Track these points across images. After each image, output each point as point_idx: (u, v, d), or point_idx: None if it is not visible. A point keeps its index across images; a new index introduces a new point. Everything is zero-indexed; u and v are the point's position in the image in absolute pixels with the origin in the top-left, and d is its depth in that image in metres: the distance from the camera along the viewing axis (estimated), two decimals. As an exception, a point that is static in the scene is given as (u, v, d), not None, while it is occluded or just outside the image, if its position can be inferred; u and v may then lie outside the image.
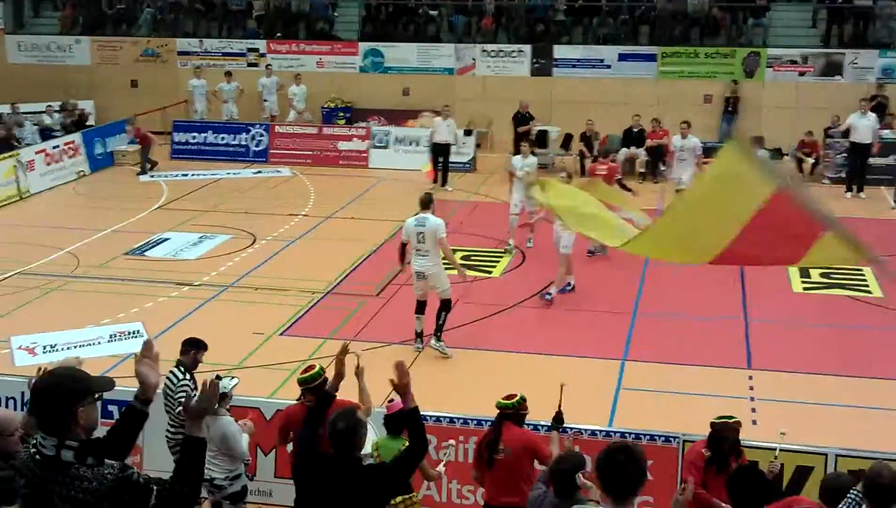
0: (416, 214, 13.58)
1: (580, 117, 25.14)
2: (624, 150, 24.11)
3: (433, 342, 13.67)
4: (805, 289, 15.98)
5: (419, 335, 13.68)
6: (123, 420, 4.87)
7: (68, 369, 4.74)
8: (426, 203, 13.59)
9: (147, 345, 4.79)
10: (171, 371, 9.06)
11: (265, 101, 27.60)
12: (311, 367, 8.70)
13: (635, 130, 24.22)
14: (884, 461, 6.37)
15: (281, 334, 14.26)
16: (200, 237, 18.95)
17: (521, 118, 24.16)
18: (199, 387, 4.83)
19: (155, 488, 4.37)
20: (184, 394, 8.90)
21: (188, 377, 9.13)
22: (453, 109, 24.02)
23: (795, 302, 15.51)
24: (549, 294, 15.32)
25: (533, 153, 20.30)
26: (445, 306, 13.56)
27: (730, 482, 6.71)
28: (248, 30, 30.48)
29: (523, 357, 13.37)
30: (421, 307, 13.61)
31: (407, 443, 8.32)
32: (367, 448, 8.08)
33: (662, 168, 24.06)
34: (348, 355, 7.23)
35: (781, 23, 27.73)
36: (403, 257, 13.72)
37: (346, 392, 8.03)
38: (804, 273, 16.51)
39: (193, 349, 9.22)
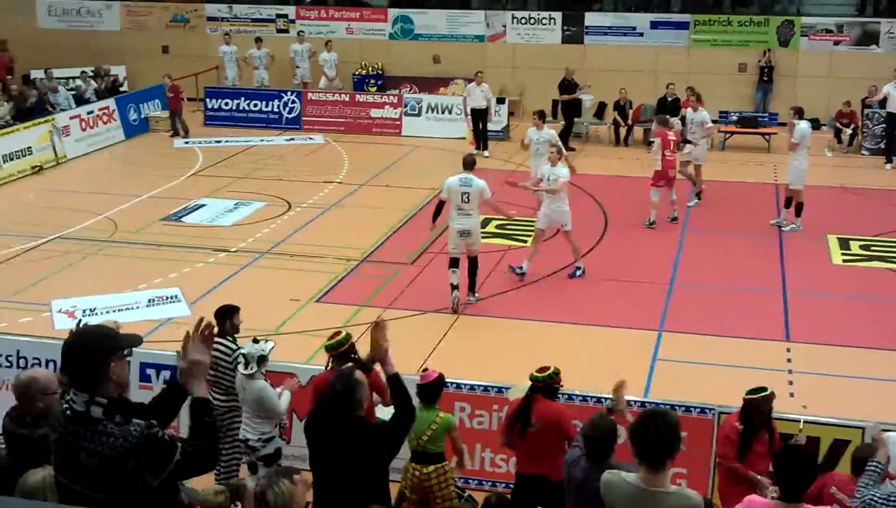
0: (459, 174, 13.87)
1: (612, 86, 24.95)
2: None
3: (470, 297, 14.15)
4: (845, 261, 15.88)
5: (455, 287, 13.97)
6: (167, 396, 4.87)
7: (97, 326, 4.77)
8: (470, 164, 14.04)
9: (206, 326, 4.73)
10: (221, 342, 9.13)
11: (297, 67, 27.56)
12: (338, 333, 8.79)
13: (669, 98, 23.99)
14: None
15: (317, 300, 14.35)
16: (236, 204, 19.05)
17: (568, 85, 23.98)
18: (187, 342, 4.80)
19: (179, 445, 4.43)
20: (242, 362, 9.01)
21: (236, 344, 9.25)
22: (484, 75, 23.93)
23: (835, 274, 15.41)
24: (579, 268, 15.22)
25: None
26: (476, 262, 14.14)
27: (776, 462, 6.71)
28: (278, -5, 30.43)
29: (559, 327, 13.40)
30: (455, 263, 13.95)
31: (441, 413, 8.43)
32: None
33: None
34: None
35: (815, -9, 27.40)
36: (439, 214, 13.91)
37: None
38: (844, 245, 16.43)
39: (227, 317, 9.30)
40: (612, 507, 5.80)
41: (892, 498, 5.77)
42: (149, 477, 4.35)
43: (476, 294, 14.26)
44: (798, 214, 17.23)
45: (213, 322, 4.82)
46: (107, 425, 4.33)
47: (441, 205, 13.91)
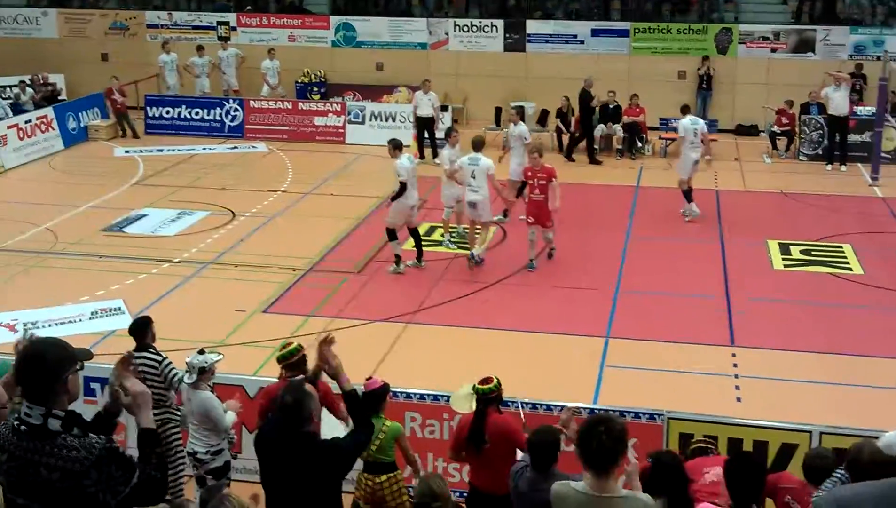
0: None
1: (555, 93, 25.09)
2: (601, 126, 24.18)
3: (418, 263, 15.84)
4: (786, 266, 16.11)
5: (400, 257, 15.60)
6: (99, 425, 4.82)
7: (53, 338, 4.71)
8: (397, 146, 15.67)
9: (126, 360, 4.83)
10: (146, 356, 9.06)
11: (224, 74, 27.33)
12: (289, 343, 8.75)
13: (611, 106, 24.23)
14: (867, 438, 6.43)
15: (263, 311, 14.24)
16: (179, 213, 18.84)
17: (588, 94, 23.82)
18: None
19: (137, 468, 4.41)
20: (170, 370, 8.91)
21: (160, 355, 9.16)
22: (431, 84, 23.93)
23: (776, 279, 15.62)
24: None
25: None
26: (417, 232, 15.86)
27: (726, 470, 6.75)
28: (218, 3, 30.15)
29: (509, 335, 13.44)
30: (394, 235, 15.56)
31: (387, 422, 8.40)
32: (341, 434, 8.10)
33: (639, 145, 24.14)
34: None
35: (752, -1, 27.82)
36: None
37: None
38: (784, 250, 16.69)
39: (145, 328, 9.22)
40: (566, 518, 5.81)
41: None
42: (108, 496, 4.30)
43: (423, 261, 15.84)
44: (689, 199, 18.34)
45: (131, 352, 4.90)
46: (66, 438, 4.30)
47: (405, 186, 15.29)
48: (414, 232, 15.83)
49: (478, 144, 16.13)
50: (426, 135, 23.38)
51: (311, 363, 8.16)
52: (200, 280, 15.50)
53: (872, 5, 27.14)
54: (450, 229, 17.07)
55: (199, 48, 27.44)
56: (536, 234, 15.77)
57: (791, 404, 11.00)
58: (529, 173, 15.85)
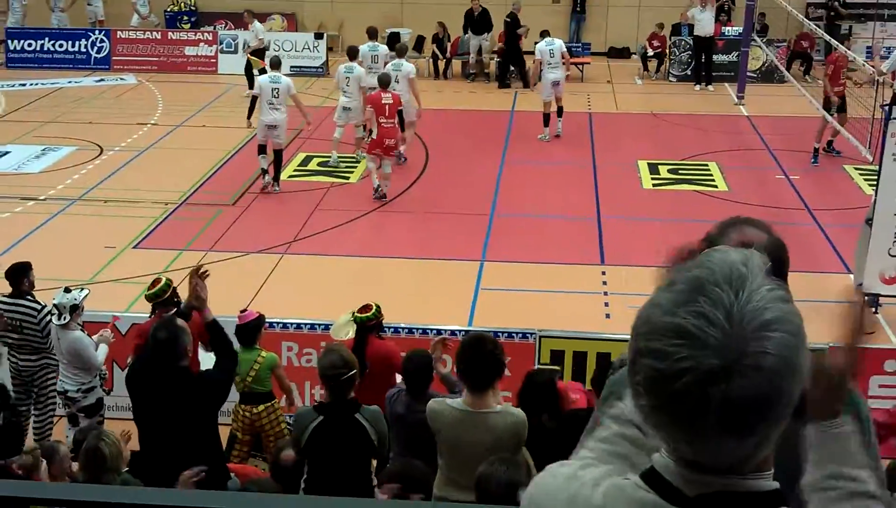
0: (270, 73, 15.82)
1: (430, 19, 24.95)
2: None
3: (275, 187, 15.83)
4: (654, 186, 16.47)
5: (265, 171, 15.86)
6: None
7: None
8: (277, 64, 16.05)
9: None
10: (23, 303, 8.89)
11: (89, 4, 26.36)
12: (158, 281, 8.66)
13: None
14: None
15: (134, 247, 13.98)
16: (43, 149, 18.24)
17: (516, 19, 23.60)
18: None
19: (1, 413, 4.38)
20: (50, 317, 8.72)
21: (39, 302, 8.99)
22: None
23: (645, 198, 15.95)
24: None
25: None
26: (280, 155, 15.93)
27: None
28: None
29: (383, 261, 13.48)
30: (262, 149, 15.82)
31: (262, 353, 8.44)
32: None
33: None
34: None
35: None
36: (252, 110, 16.19)
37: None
38: (653, 170, 17.05)
39: (23, 275, 9.04)
40: (439, 434, 5.94)
41: None
42: None
43: (278, 186, 15.85)
44: (546, 124, 18.81)
45: None
46: None
47: (255, 101, 16.00)
48: (276, 155, 15.76)
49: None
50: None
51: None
52: (67, 217, 15.09)
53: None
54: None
55: (58, -21, 26.33)
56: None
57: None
58: None
